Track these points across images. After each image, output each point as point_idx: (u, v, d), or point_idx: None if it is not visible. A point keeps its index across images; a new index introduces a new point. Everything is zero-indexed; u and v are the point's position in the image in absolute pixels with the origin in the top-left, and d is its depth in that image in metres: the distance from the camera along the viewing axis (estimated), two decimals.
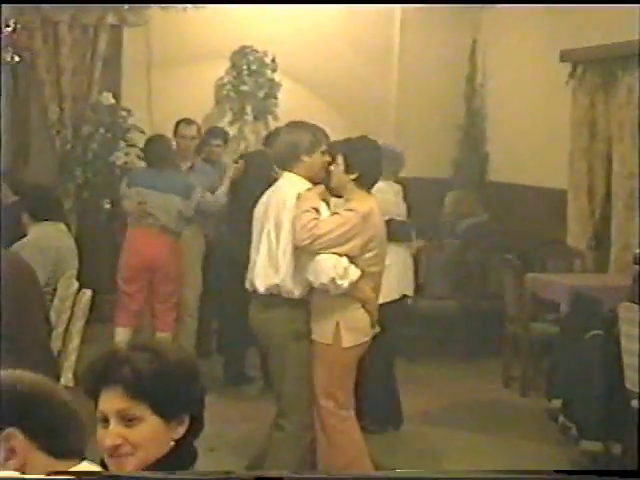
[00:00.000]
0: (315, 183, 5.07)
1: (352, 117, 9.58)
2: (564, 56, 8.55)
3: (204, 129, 8.93)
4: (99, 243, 8.86)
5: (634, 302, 5.49)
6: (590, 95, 8.35)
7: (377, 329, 5.14)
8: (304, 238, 4.79)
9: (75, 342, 5.42)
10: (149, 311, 7.47)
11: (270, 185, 5.46)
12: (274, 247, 5.00)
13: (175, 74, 9.32)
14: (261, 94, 9.56)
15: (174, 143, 7.78)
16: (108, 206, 8.77)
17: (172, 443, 2.36)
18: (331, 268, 4.79)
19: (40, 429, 1.94)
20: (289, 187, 5.04)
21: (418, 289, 8.31)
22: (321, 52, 9.74)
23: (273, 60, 9.53)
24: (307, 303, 5.03)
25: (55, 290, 5.60)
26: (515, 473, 2.31)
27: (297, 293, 4.97)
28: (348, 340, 4.94)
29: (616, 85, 8.03)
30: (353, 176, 5.00)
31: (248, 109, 9.55)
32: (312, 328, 5.01)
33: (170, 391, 2.34)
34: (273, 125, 9.41)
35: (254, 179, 6.85)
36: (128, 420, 2.31)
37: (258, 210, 5.21)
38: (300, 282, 4.95)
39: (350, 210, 4.92)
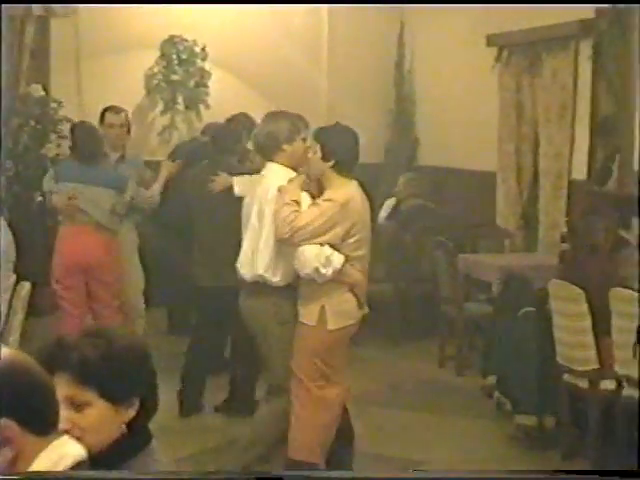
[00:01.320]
0: (298, 171, 5.17)
1: (283, 104, 9.36)
2: (490, 40, 8.71)
3: (136, 119, 8.97)
4: (32, 236, 8.79)
5: (563, 279, 5.65)
6: (516, 78, 8.53)
7: (365, 310, 5.33)
8: (285, 232, 4.92)
9: (15, 335, 5.42)
10: (92, 316, 7.03)
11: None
12: (257, 237, 5.13)
13: (105, 64, 9.30)
14: (192, 83, 9.58)
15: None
16: (40, 199, 8.69)
17: (123, 426, 2.42)
18: (314, 258, 4.92)
19: (26, 412, 1.96)
20: (272, 177, 5.14)
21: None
22: (250, 40, 9.77)
23: (203, 49, 9.55)
24: (293, 289, 5.14)
25: None
26: (515, 473, 2.40)
27: (282, 282, 5.11)
28: (333, 323, 5.08)
29: (541, 68, 8.20)
30: (330, 163, 5.08)
31: (179, 98, 9.56)
32: (299, 311, 5.12)
33: (118, 376, 2.39)
34: (205, 114, 9.46)
35: (193, 174, 6.83)
36: (77, 405, 2.36)
37: (246, 200, 5.33)
38: (284, 271, 5.09)
39: (328, 200, 5.01)
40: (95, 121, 7.67)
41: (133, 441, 2.42)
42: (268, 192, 5.10)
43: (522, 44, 8.43)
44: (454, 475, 2.73)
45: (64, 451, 1.99)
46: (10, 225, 8.40)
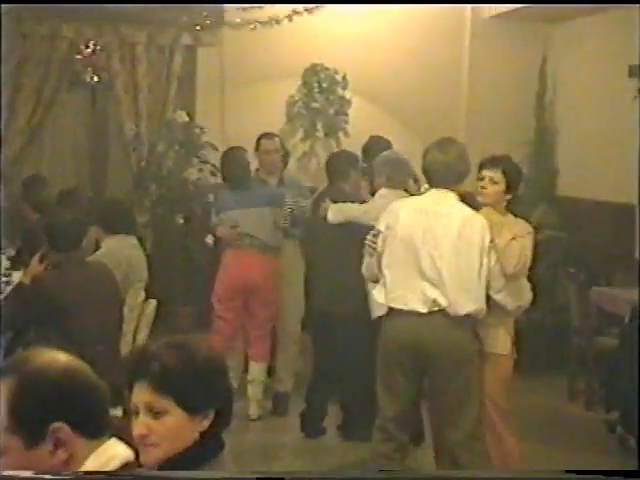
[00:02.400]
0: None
1: (421, 132, 9.65)
2: (632, 71, 8.56)
3: None
4: (173, 257, 9.12)
5: None
6: None
7: None
8: (515, 264, 5.03)
9: None
10: (243, 338, 7.22)
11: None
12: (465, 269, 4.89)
13: (247, 92, 9.55)
14: (332, 111, 9.74)
15: (256, 159, 7.55)
16: (181, 221, 8.99)
17: (197, 435, 2.52)
18: (529, 291, 5.26)
19: (79, 415, 2.08)
20: (453, 208, 4.98)
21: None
22: (390, 69, 9.87)
23: (344, 77, 9.70)
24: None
25: (124, 300, 5.83)
26: (514, 473, 2.40)
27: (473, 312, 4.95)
28: (513, 351, 5.26)
29: None
30: (509, 196, 5.22)
31: (319, 126, 9.73)
32: (484, 341, 5.09)
33: (196, 387, 2.49)
34: (344, 141, 9.58)
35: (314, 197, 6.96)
36: (155, 413, 2.47)
37: (411, 230, 4.95)
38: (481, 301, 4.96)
39: (528, 234, 5.21)
40: (236, 146, 7.86)
41: (205, 450, 2.52)
42: (459, 224, 4.90)
43: None
44: (457, 475, 2.72)
45: (113, 453, 2.10)
46: (152, 246, 8.83)
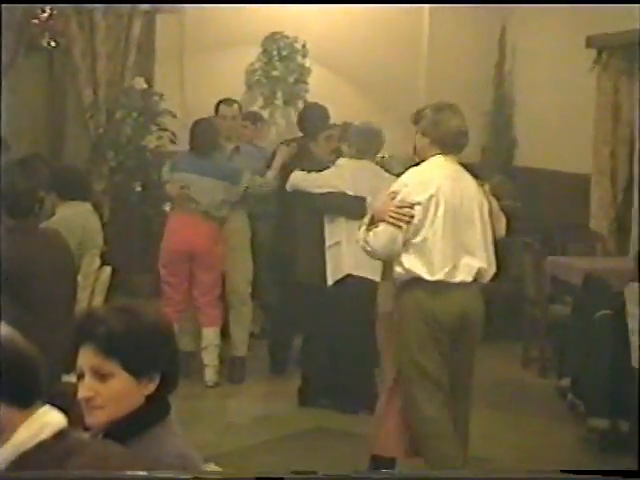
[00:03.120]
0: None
1: (381, 102, 9.74)
2: (589, 42, 8.62)
3: None
4: (130, 225, 9.10)
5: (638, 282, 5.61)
6: (614, 81, 8.42)
7: None
8: (504, 227, 5.17)
9: None
10: (193, 305, 7.27)
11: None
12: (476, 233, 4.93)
13: (207, 60, 9.51)
14: (291, 79, 9.73)
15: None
16: (139, 189, 8.96)
17: (143, 399, 2.54)
18: None
19: (10, 386, 2.06)
20: (466, 174, 5.00)
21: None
22: (351, 38, 9.88)
23: (304, 46, 9.69)
24: None
25: (78, 267, 5.82)
26: (515, 473, 2.45)
27: None
28: None
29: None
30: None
31: (279, 94, 9.72)
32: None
33: (141, 351, 2.51)
34: None
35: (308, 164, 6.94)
36: (101, 375, 2.49)
37: (453, 201, 4.82)
38: None
39: None
40: (195, 115, 7.92)
41: (151, 413, 2.55)
42: (476, 189, 4.98)
43: (621, 46, 8.32)
44: (455, 475, 2.77)
45: (45, 421, 2.10)
46: (110, 214, 8.81)
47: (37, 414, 2.10)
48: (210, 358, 7.16)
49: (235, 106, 7.70)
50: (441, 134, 4.89)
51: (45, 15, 9.11)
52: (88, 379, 2.48)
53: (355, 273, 6.29)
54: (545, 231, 8.47)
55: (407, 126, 9.97)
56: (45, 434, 2.08)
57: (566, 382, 6.37)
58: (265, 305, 8.13)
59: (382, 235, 4.74)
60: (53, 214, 6.22)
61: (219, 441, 5.98)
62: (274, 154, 7.49)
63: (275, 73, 9.66)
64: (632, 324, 5.62)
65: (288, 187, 6.60)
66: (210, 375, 7.15)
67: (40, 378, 2.13)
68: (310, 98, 9.64)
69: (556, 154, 9.26)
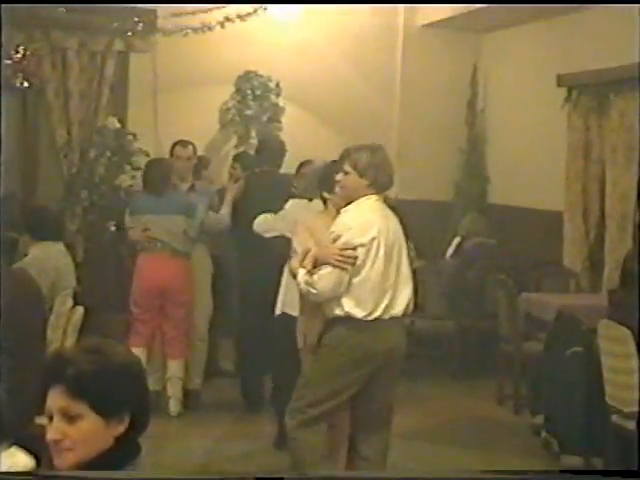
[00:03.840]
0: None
1: (355, 140, 9.57)
2: (560, 80, 8.71)
3: (210, 153, 9.24)
4: (105, 264, 9.07)
5: (611, 319, 5.63)
6: (584, 118, 8.51)
7: None
8: None
9: None
10: (160, 337, 7.46)
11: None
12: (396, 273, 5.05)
13: (181, 99, 9.54)
14: (265, 118, 9.76)
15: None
16: (113, 228, 8.93)
17: (112, 440, 2.52)
18: None
19: None
20: (391, 212, 5.14)
21: (417, 309, 8.51)
22: (324, 76, 9.95)
23: (277, 85, 9.73)
24: None
25: (51, 308, 5.79)
26: (515, 473, 2.43)
27: None
28: None
29: (609, 108, 8.18)
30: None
31: (252, 133, 9.74)
32: None
33: (110, 392, 2.49)
34: None
35: (259, 199, 7.02)
36: (69, 417, 2.47)
37: (390, 240, 5.00)
38: None
39: None
40: (160, 157, 8.04)
41: (121, 454, 2.52)
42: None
43: (591, 85, 8.42)
44: (454, 475, 2.76)
45: (13, 461, 2.09)
46: (83, 253, 8.78)
47: (4, 455, 2.09)
48: (174, 390, 7.34)
49: (190, 147, 7.86)
50: (380, 176, 5.01)
51: (18, 56, 9.09)
52: (57, 421, 2.46)
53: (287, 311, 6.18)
54: (519, 268, 8.51)
55: None
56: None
57: (540, 419, 6.38)
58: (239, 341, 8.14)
59: (329, 278, 4.85)
60: (26, 254, 6.20)
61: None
62: (223, 191, 7.73)
63: (249, 112, 9.69)
64: (605, 360, 5.63)
65: (255, 228, 6.64)
66: (174, 406, 7.30)
67: (5, 418, 2.12)
68: (284, 136, 9.64)
69: (529, 191, 9.33)
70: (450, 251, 9.15)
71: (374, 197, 5.01)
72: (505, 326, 7.84)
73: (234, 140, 9.79)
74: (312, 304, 5.10)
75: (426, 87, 10.24)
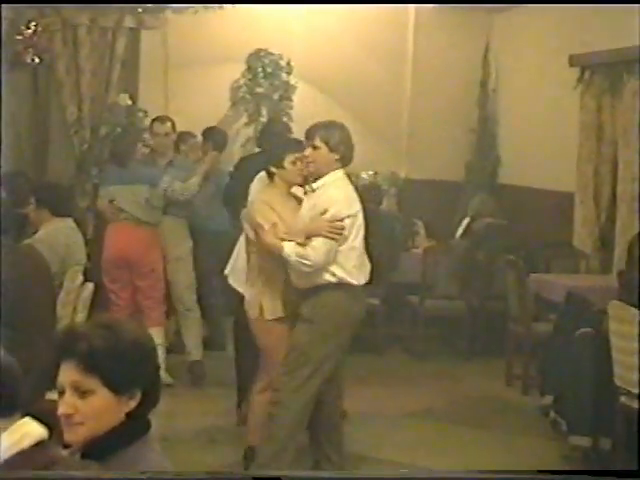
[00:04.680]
0: None
1: (366, 119, 9.74)
2: (573, 61, 8.65)
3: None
4: None
5: (620, 300, 5.61)
6: (597, 99, 8.45)
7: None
8: None
9: None
10: (137, 308, 7.51)
11: None
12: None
13: (191, 76, 9.53)
14: (276, 96, 9.75)
15: (151, 141, 7.97)
16: None
17: (123, 415, 2.53)
18: None
19: None
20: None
21: (425, 288, 8.53)
22: (335, 55, 9.91)
23: (288, 63, 9.71)
24: None
25: (61, 284, 5.80)
26: (515, 473, 2.43)
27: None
28: None
29: (622, 89, 8.13)
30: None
31: (263, 111, 9.73)
32: None
33: (122, 367, 2.49)
34: None
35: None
36: (81, 392, 2.47)
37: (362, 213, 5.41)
38: None
39: None
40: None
41: (131, 430, 2.53)
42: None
43: (604, 65, 8.37)
44: (454, 475, 2.76)
45: (26, 430, 2.10)
46: (94, 230, 8.79)
47: (17, 424, 2.09)
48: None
49: (168, 124, 7.99)
50: (348, 152, 5.33)
51: (29, 32, 9.08)
52: (68, 395, 2.47)
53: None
54: (529, 249, 8.49)
55: (392, 143, 10.11)
56: (26, 443, 2.07)
57: (548, 400, 6.37)
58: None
59: (322, 248, 5.13)
60: (36, 231, 6.21)
61: None
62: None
63: (260, 90, 9.68)
64: (615, 341, 5.61)
65: None
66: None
67: (20, 388, 2.13)
68: (294, 115, 9.66)
69: (540, 172, 9.30)
70: (460, 231, 9.13)
71: (341, 171, 5.33)
72: (515, 307, 7.83)
73: (244, 118, 9.78)
74: (268, 276, 5.38)
75: (437, 67, 10.20)
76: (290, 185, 5.48)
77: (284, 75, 9.75)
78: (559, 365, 6.25)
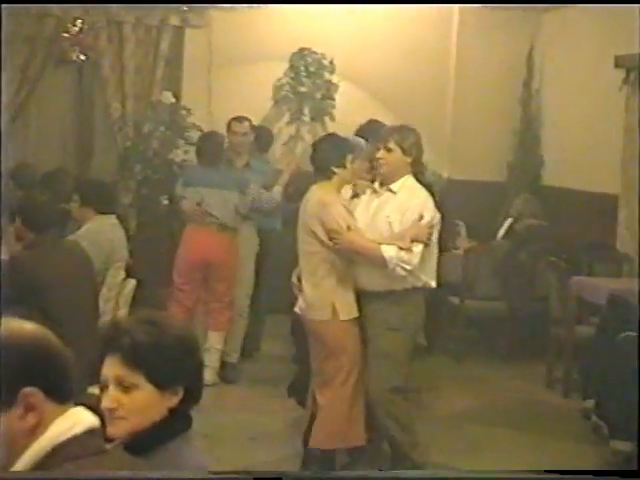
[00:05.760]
0: None
1: (408, 119, 9.60)
2: (618, 62, 8.57)
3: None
4: (157, 238, 9.12)
5: None
6: None
7: None
8: None
9: None
10: (203, 309, 7.55)
11: None
12: None
13: (234, 74, 9.56)
14: (318, 95, 9.75)
15: (227, 140, 7.88)
16: (166, 202, 8.98)
17: (165, 411, 2.54)
18: None
19: (49, 381, 2.09)
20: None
21: (466, 289, 8.49)
22: (378, 54, 9.89)
23: (331, 62, 9.70)
24: None
25: (104, 280, 5.85)
26: (514, 473, 2.42)
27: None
28: None
29: None
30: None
31: (305, 110, 9.74)
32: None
33: (166, 363, 2.52)
34: (330, 126, 9.58)
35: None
36: (125, 387, 2.50)
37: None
38: None
39: None
40: (222, 129, 8.03)
41: (173, 426, 2.55)
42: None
43: None
44: (454, 475, 2.75)
45: (78, 418, 2.12)
46: (136, 227, 8.84)
47: (71, 411, 2.12)
48: (211, 359, 7.35)
49: (246, 123, 7.92)
50: (420, 156, 5.41)
51: (76, 29, 9.17)
52: (112, 390, 2.49)
53: None
54: (571, 251, 8.42)
55: (434, 143, 10.07)
56: (79, 429, 2.09)
57: (590, 404, 6.33)
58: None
59: (418, 255, 5.17)
60: (80, 227, 6.26)
61: None
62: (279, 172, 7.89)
63: (302, 89, 9.68)
64: None
65: None
66: (209, 375, 7.19)
67: (73, 378, 2.15)
68: (337, 114, 9.67)
69: (584, 173, 9.22)
70: (502, 232, 9.08)
71: (411, 175, 5.36)
72: (556, 309, 7.77)
73: (287, 117, 9.80)
74: (340, 277, 5.33)
75: (481, 67, 10.14)
76: (344, 185, 5.46)
77: (327, 74, 9.75)
78: (601, 368, 6.20)
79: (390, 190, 5.32)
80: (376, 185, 5.46)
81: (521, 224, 8.85)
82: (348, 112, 9.38)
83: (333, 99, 9.77)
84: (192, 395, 2.59)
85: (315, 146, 5.66)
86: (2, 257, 5.35)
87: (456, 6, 10.09)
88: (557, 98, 9.88)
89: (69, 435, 2.08)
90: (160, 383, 2.52)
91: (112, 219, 6.34)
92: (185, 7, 9.16)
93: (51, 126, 9.57)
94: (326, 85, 9.75)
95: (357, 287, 5.37)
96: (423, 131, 9.73)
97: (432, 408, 7.16)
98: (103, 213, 6.26)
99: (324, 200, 5.33)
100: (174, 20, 9.35)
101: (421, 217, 5.19)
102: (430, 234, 5.21)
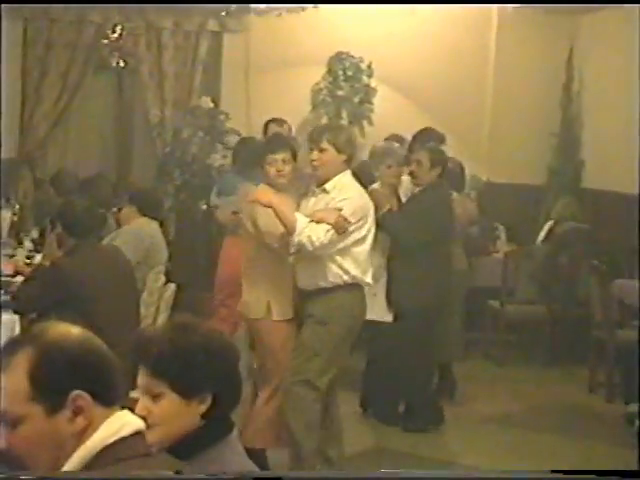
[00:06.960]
0: None
1: (447, 122, 9.66)
2: None
3: (301, 133, 9.21)
4: (195, 242, 9.16)
5: None
6: None
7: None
8: None
9: None
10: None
11: None
12: None
13: (273, 79, 9.57)
14: (357, 99, 9.72)
15: None
16: (205, 207, 9.01)
17: (198, 418, 2.55)
18: None
19: (97, 384, 2.12)
20: None
21: (506, 293, 8.45)
22: (416, 57, 9.87)
23: (369, 66, 9.68)
24: None
25: (144, 285, 5.88)
26: (516, 473, 2.41)
27: None
28: None
29: None
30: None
31: (344, 114, 9.71)
32: None
33: (190, 372, 2.53)
34: (368, 130, 9.57)
35: None
36: (152, 395, 2.54)
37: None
38: None
39: None
40: (261, 134, 7.99)
41: (211, 432, 2.56)
42: None
43: None
44: (454, 475, 2.73)
45: (125, 420, 2.15)
46: (175, 231, 8.89)
47: (118, 414, 2.15)
48: None
49: (285, 126, 7.78)
50: (355, 151, 5.43)
51: (115, 35, 9.24)
52: (142, 398, 2.53)
53: None
54: (612, 254, 8.34)
55: (473, 146, 10.01)
56: (126, 431, 2.12)
57: (634, 408, 6.26)
58: None
59: (327, 235, 5.11)
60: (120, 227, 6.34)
61: None
62: None
63: (340, 93, 9.67)
64: None
65: None
66: None
67: (119, 380, 2.17)
68: (375, 118, 9.64)
69: (624, 176, 9.12)
70: (542, 235, 9.02)
71: (349, 172, 5.34)
72: (598, 313, 7.71)
73: (325, 121, 9.75)
74: (275, 277, 5.33)
75: (520, 70, 10.08)
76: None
77: (365, 78, 9.73)
78: None
79: (324, 190, 5.30)
80: (313, 186, 5.45)
81: (561, 227, 8.79)
82: (386, 116, 9.38)
83: (371, 103, 9.74)
84: (225, 400, 2.59)
85: None
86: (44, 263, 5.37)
87: (494, 7, 10.03)
88: (597, 101, 9.80)
89: (117, 437, 2.11)
90: (184, 392, 2.54)
91: (154, 224, 6.39)
92: (224, 13, 9.18)
93: (91, 132, 9.64)
94: (364, 89, 9.72)
95: (296, 288, 5.37)
96: (462, 134, 9.87)
97: (473, 412, 7.12)
98: (146, 216, 6.31)
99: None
100: (212, 25, 9.39)
101: (339, 209, 5.14)
102: (344, 226, 5.09)
